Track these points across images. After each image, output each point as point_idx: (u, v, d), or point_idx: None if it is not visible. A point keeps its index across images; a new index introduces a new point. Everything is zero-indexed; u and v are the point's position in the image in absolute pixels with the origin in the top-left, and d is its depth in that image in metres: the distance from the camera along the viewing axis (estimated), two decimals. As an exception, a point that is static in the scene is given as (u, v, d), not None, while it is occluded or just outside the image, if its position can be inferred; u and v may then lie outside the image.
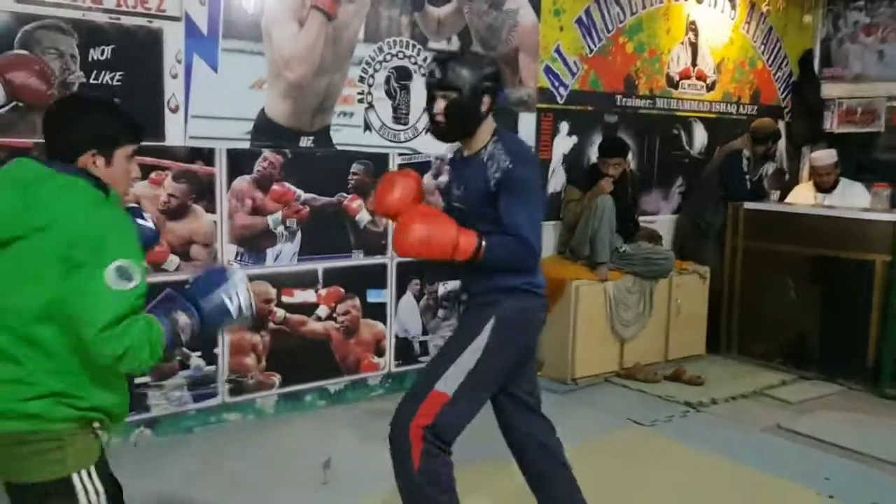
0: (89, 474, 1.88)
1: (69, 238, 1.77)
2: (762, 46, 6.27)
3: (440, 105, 2.43)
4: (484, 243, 2.34)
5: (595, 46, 5.16)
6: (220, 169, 3.75)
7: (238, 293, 2.02)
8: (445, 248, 2.31)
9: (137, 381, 3.59)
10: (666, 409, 4.40)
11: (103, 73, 3.36)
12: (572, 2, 4.99)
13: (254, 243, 3.91)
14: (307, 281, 4.10)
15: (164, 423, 3.72)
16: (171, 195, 3.62)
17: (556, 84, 4.99)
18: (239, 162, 3.80)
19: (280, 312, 4.02)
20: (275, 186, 3.93)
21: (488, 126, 2.51)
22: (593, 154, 5.19)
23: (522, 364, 2.60)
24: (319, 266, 4.13)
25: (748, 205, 5.43)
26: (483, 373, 2.45)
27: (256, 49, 3.76)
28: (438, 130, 2.50)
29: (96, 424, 1.91)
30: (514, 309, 2.49)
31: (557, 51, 4.95)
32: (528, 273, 2.49)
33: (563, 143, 5.12)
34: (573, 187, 5.02)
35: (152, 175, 3.56)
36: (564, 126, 5.10)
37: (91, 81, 3.34)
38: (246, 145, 3.81)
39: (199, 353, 3.78)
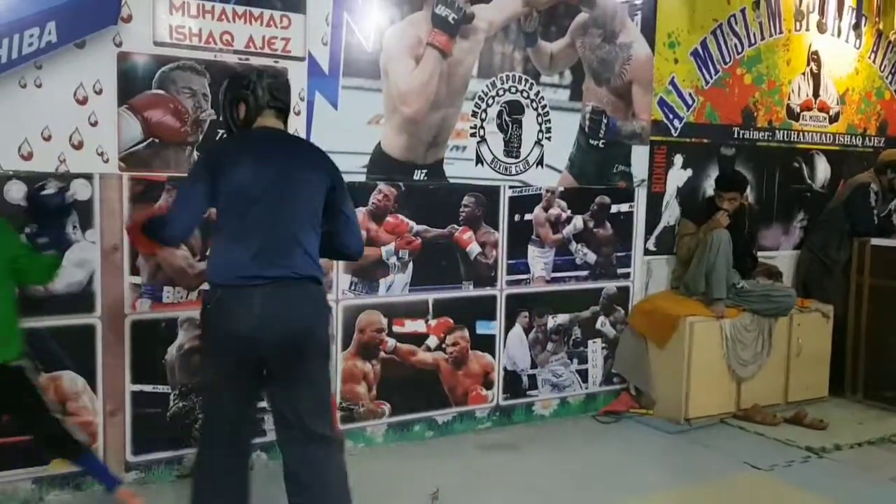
0: None
1: None
2: (890, 76, 5.97)
3: None
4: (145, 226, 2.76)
5: (711, 78, 5.04)
6: (337, 201, 3.86)
7: None
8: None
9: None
10: (785, 454, 4.18)
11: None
12: (688, 34, 4.91)
13: (367, 273, 4.00)
14: (418, 311, 4.15)
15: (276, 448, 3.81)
16: (290, 226, 3.76)
17: (671, 116, 4.90)
18: (355, 194, 3.89)
19: (391, 342, 4.09)
20: (389, 218, 4.02)
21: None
22: (709, 187, 5.06)
23: (232, 363, 2.59)
24: (430, 297, 4.18)
25: (875, 241, 5.15)
26: (203, 366, 2.81)
27: (374, 86, 3.88)
28: None
29: None
30: (205, 302, 2.67)
31: (672, 83, 4.87)
32: (212, 260, 2.65)
33: (678, 175, 5.01)
34: (688, 221, 4.90)
35: (274, 207, 3.70)
36: (679, 159, 4.99)
37: (221, 119, 3.52)
38: (362, 178, 3.92)
39: (313, 380, 3.87)
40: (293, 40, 3.65)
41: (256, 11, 3.55)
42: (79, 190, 3.29)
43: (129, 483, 3.45)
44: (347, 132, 3.82)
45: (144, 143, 3.39)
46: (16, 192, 3.17)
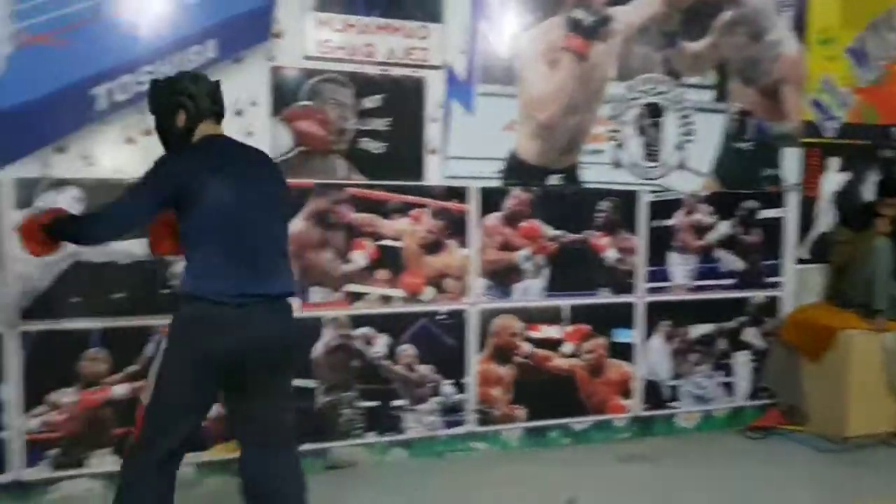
0: None
1: None
2: None
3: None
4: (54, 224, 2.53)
5: (870, 76, 4.73)
6: (473, 206, 3.94)
7: None
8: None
9: (395, 403, 3.85)
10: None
11: (374, 120, 3.71)
12: (842, 30, 4.63)
13: (502, 278, 4.03)
14: (553, 317, 4.14)
15: (417, 445, 3.92)
16: (428, 231, 3.87)
17: (825, 117, 4.63)
18: (490, 200, 3.97)
19: (526, 346, 4.10)
20: (524, 223, 4.05)
21: (199, 136, 2.60)
22: (868, 192, 4.73)
23: (211, 379, 2.50)
24: (566, 302, 4.16)
25: None
26: (161, 384, 2.51)
27: (509, 92, 3.94)
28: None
29: None
30: (181, 321, 2.50)
31: (826, 82, 4.61)
32: (202, 277, 2.46)
33: (833, 179, 4.72)
34: (843, 228, 4.61)
35: (412, 212, 3.83)
36: (834, 162, 4.71)
37: (363, 128, 3.70)
38: (497, 184, 3.97)
39: (450, 381, 3.96)
40: (431, 49, 3.77)
41: (397, 23, 3.70)
42: (235, 196, 3.53)
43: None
44: (483, 138, 3.89)
45: (294, 152, 3.61)
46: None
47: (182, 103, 2.55)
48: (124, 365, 3.43)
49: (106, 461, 3.42)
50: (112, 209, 2.52)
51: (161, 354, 2.55)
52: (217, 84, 2.66)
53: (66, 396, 3.36)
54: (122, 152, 3.35)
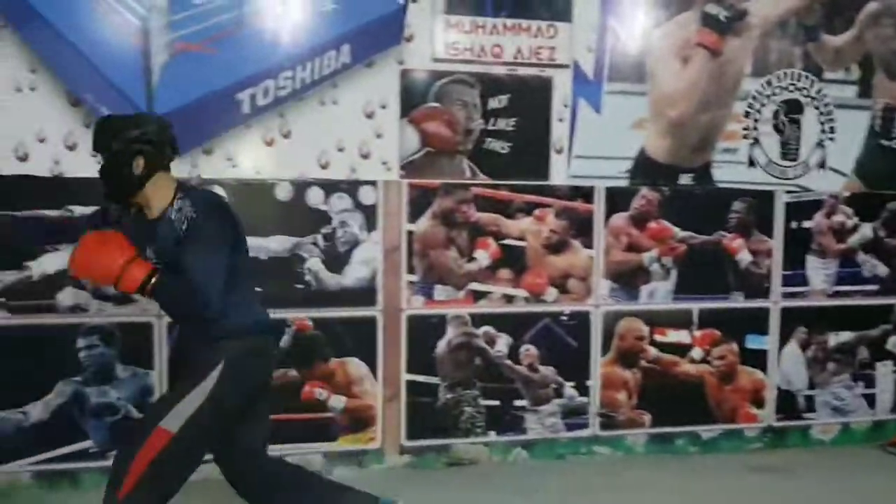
0: None
1: None
2: None
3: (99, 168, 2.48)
4: (155, 279, 2.36)
5: None
6: (599, 206, 3.90)
7: None
8: (107, 274, 2.37)
9: (516, 403, 3.86)
10: None
11: (500, 120, 3.73)
12: None
13: (628, 279, 3.97)
14: (682, 321, 4.03)
15: (538, 446, 3.91)
16: (552, 231, 3.86)
17: None
18: (617, 199, 3.91)
19: (652, 351, 4.01)
20: (651, 224, 3.97)
21: (164, 183, 2.48)
22: None
23: (252, 405, 2.56)
24: (695, 306, 4.04)
25: None
26: (205, 415, 2.41)
27: (638, 90, 3.87)
28: (104, 192, 2.51)
29: None
30: (239, 356, 2.47)
31: None
32: (243, 313, 2.49)
33: None
34: None
35: (536, 212, 3.83)
36: None
37: (489, 128, 3.74)
38: (624, 183, 3.91)
39: (572, 384, 3.93)
40: (559, 48, 3.76)
41: (525, 23, 3.71)
42: (365, 196, 3.66)
43: (402, 466, 3.75)
44: (610, 137, 3.85)
45: (421, 153, 3.69)
46: (314, 198, 3.60)
47: (141, 150, 2.43)
48: (261, 356, 3.60)
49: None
50: (208, 283, 2.38)
51: (202, 390, 2.42)
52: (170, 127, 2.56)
53: (208, 384, 3.57)
54: (262, 154, 3.53)
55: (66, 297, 3.40)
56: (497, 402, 3.86)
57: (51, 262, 3.37)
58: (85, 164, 3.31)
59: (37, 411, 3.40)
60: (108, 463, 3.36)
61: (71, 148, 3.33)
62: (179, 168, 3.39)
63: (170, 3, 3.30)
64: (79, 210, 3.36)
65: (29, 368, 3.37)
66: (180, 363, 2.67)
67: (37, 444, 3.40)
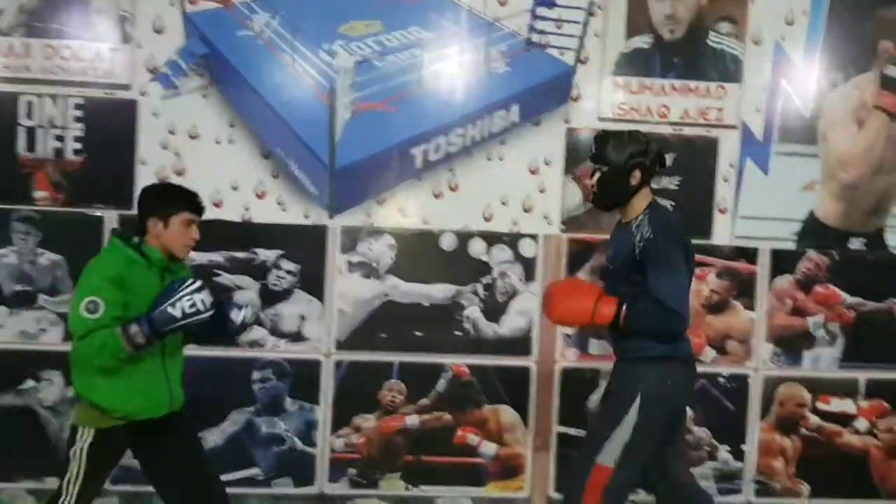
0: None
1: None
2: None
3: (594, 178, 2.72)
4: (624, 310, 2.59)
5: None
6: (763, 268, 3.82)
7: (183, 300, 2.41)
8: (582, 315, 2.65)
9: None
10: None
11: (664, 178, 3.74)
12: None
13: (791, 344, 3.85)
14: (847, 389, 3.87)
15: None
16: (713, 290, 3.81)
17: None
18: (782, 262, 3.82)
19: (814, 419, 3.87)
20: (818, 288, 3.84)
21: (643, 198, 2.71)
22: None
23: (675, 427, 2.74)
24: (862, 375, 3.87)
25: None
26: (637, 444, 2.61)
27: (809, 151, 3.78)
28: (593, 199, 2.81)
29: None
30: (657, 383, 2.63)
31: None
32: (672, 340, 2.62)
33: None
34: None
35: (698, 271, 3.79)
36: None
37: (653, 186, 3.73)
38: (791, 246, 3.81)
39: (727, 447, 3.84)
40: (726, 109, 3.74)
41: (693, 84, 3.72)
42: (525, 248, 3.75)
43: (550, 517, 3.78)
44: (778, 199, 3.77)
45: (584, 208, 3.75)
46: (476, 248, 3.73)
47: (640, 164, 2.68)
48: (419, 397, 3.74)
49: (396, 485, 3.74)
50: (673, 308, 2.57)
51: (632, 416, 2.63)
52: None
53: (367, 422, 3.74)
54: (431, 205, 3.69)
55: (246, 332, 3.67)
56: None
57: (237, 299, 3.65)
58: (271, 211, 3.61)
59: (213, 437, 3.67)
60: (272, 490, 3.65)
61: (260, 196, 3.62)
62: (354, 217, 3.65)
63: (355, 66, 3.54)
64: (262, 252, 3.64)
65: (209, 397, 3.64)
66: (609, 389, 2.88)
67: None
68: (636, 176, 2.68)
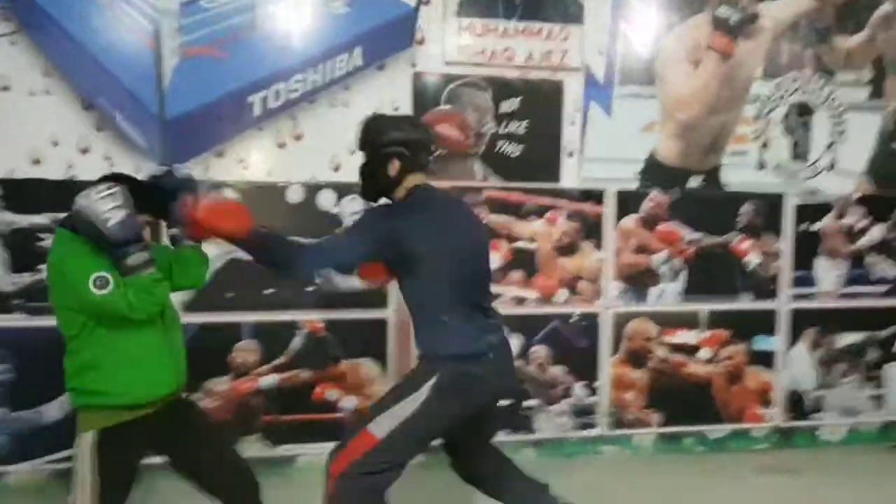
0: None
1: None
2: None
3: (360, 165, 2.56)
4: (258, 231, 2.41)
5: None
6: (609, 209, 3.91)
7: (101, 214, 2.16)
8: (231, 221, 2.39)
9: (526, 403, 3.88)
10: None
11: (511, 123, 3.74)
12: None
13: (637, 281, 3.98)
14: (690, 322, 4.05)
15: (547, 446, 3.94)
16: (563, 233, 3.87)
17: None
18: (627, 202, 3.92)
19: (661, 351, 4.03)
20: (661, 226, 3.97)
21: (406, 189, 2.52)
22: None
23: (466, 425, 2.55)
24: (703, 307, 4.05)
25: None
26: (416, 425, 2.42)
27: (649, 93, 3.87)
28: (360, 190, 2.61)
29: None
30: (455, 373, 2.43)
31: None
32: (465, 341, 2.45)
33: None
34: None
35: (547, 214, 3.84)
36: None
37: (501, 131, 3.74)
38: (634, 186, 3.92)
39: (582, 383, 3.95)
40: (570, 52, 3.75)
41: (536, 26, 3.71)
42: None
43: (414, 465, 3.75)
44: (621, 140, 3.85)
45: (433, 155, 3.68)
46: (326, 201, 3.61)
47: (398, 153, 2.48)
48: (274, 357, 3.63)
49: (256, 446, 3.63)
50: (325, 250, 2.47)
51: (416, 402, 2.43)
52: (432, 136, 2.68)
53: (220, 385, 3.59)
54: (274, 156, 3.54)
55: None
56: (506, 402, 3.88)
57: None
58: (98, 167, 3.35)
59: (52, 411, 3.42)
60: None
61: (84, 151, 3.35)
62: (193, 171, 3.43)
63: (181, 7, 3.31)
64: (92, 213, 3.38)
65: (45, 368, 3.38)
66: None
67: (53, 443, 3.43)
68: (395, 165, 2.49)
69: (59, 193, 3.29)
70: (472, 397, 2.50)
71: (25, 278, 3.37)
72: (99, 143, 3.35)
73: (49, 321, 3.30)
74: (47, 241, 3.34)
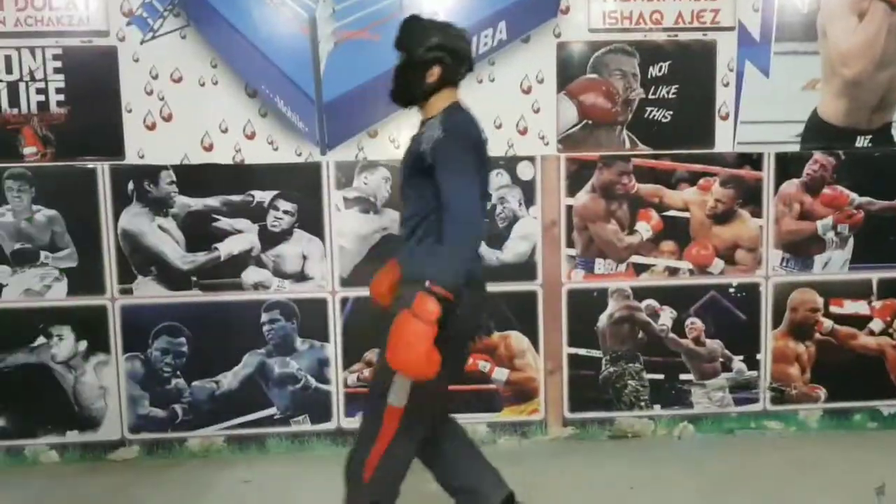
0: None
1: None
2: None
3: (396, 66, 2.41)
4: (428, 285, 2.15)
5: None
6: (768, 173, 3.73)
7: None
8: (420, 343, 2.13)
9: (682, 377, 3.79)
10: None
11: (661, 87, 3.64)
12: None
13: (801, 249, 3.79)
14: (860, 291, 3.81)
15: (705, 421, 3.84)
16: (718, 200, 3.73)
17: None
18: (788, 166, 3.73)
19: (827, 323, 3.82)
20: (825, 190, 3.76)
21: (443, 100, 2.39)
22: None
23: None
24: (874, 276, 3.81)
25: None
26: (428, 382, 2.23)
27: (810, 49, 3.65)
28: (391, 92, 2.46)
29: None
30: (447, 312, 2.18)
31: None
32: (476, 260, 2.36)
33: None
34: None
35: (701, 181, 3.72)
36: None
37: (650, 97, 3.66)
38: (796, 148, 3.72)
39: (741, 357, 3.81)
40: (723, 10, 3.61)
41: (686, -14, 3.60)
42: (523, 171, 3.68)
43: (566, 438, 3.79)
44: (780, 100, 3.67)
45: (579, 126, 3.66)
46: (474, 174, 3.66)
47: (440, 60, 2.36)
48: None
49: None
50: (463, 214, 2.23)
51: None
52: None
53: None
54: (423, 134, 3.62)
55: (249, 275, 3.65)
56: (661, 376, 3.81)
57: (236, 243, 3.63)
58: (263, 151, 3.56)
59: (227, 381, 3.69)
60: (291, 428, 3.69)
61: (250, 137, 3.56)
62: (346, 152, 3.59)
63: (334, -6, 3.45)
64: (258, 195, 3.60)
65: (220, 342, 3.66)
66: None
67: (228, 411, 3.70)
68: (434, 73, 2.36)
69: (229, 177, 3.59)
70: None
71: (200, 257, 3.63)
72: (263, 128, 3.56)
73: (223, 297, 3.65)
74: (220, 222, 3.61)
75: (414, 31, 2.41)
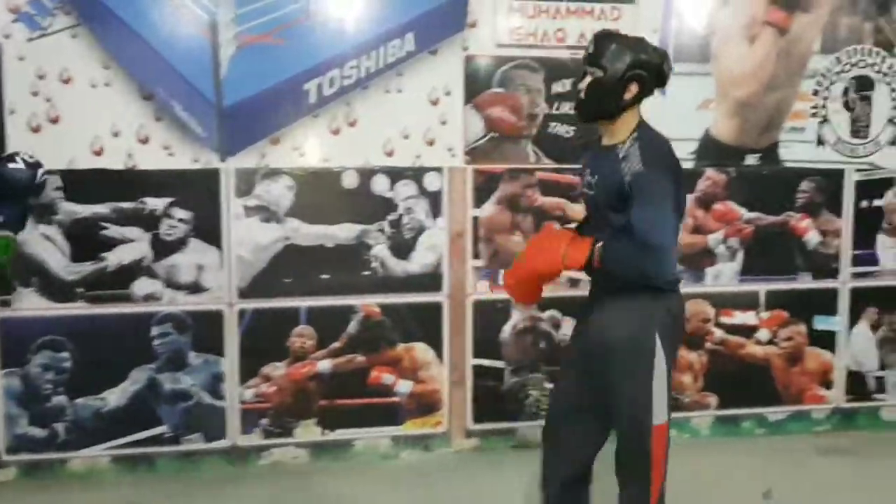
0: None
1: None
2: None
3: (585, 81, 2.33)
4: (597, 250, 2.25)
5: None
6: (665, 189, 3.85)
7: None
8: (552, 264, 2.31)
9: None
10: None
11: (564, 104, 3.70)
12: None
13: (693, 262, 3.93)
14: (748, 302, 3.99)
15: (604, 429, 3.91)
16: (617, 214, 3.83)
17: None
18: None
19: (718, 333, 3.98)
20: (717, 205, 3.92)
21: (632, 117, 2.35)
22: None
23: None
24: (762, 288, 3.99)
25: None
26: (668, 386, 2.38)
27: (704, 70, 3.81)
28: (577, 107, 2.41)
29: None
30: (670, 316, 2.35)
31: None
32: (655, 280, 2.28)
33: None
34: None
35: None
36: None
37: (553, 112, 3.71)
38: (689, 165, 3.86)
39: (638, 367, 3.91)
40: (623, 31, 3.69)
41: (588, 6, 3.67)
42: (430, 182, 3.67)
43: (469, 450, 3.79)
44: (675, 118, 3.77)
45: (486, 138, 3.68)
46: (380, 185, 3.62)
47: (640, 77, 2.30)
48: (329, 341, 3.65)
49: (312, 431, 3.67)
50: (652, 242, 2.18)
51: (660, 360, 2.33)
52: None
53: (277, 370, 3.63)
54: (329, 142, 3.55)
55: (140, 287, 3.48)
56: (562, 386, 3.87)
57: (125, 252, 3.45)
58: (157, 157, 3.40)
59: (114, 398, 3.50)
60: (182, 447, 3.53)
61: (143, 141, 3.40)
62: (247, 159, 3.48)
63: (236, -4, 3.34)
64: (151, 202, 3.44)
65: (106, 356, 3.47)
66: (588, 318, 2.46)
67: (115, 430, 3.50)
68: (632, 90, 2.30)
69: (120, 183, 3.41)
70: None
71: (86, 267, 3.43)
72: (158, 133, 3.40)
73: (110, 309, 3.46)
74: (109, 230, 3.42)
75: (612, 45, 2.31)
